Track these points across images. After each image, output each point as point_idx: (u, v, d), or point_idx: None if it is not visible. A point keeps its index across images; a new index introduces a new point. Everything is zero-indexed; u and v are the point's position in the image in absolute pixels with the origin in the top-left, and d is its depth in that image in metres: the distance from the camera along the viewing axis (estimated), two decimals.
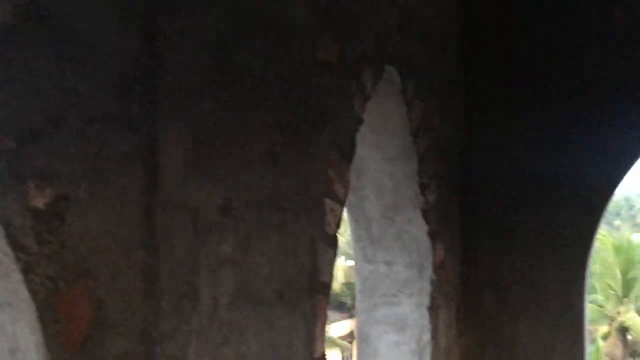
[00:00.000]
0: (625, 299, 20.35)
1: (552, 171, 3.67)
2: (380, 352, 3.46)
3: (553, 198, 3.68)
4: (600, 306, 20.72)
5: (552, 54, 3.68)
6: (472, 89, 3.85)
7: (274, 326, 2.02)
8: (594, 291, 20.63)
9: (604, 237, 20.03)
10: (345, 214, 2.85)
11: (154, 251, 1.58)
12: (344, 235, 17.80)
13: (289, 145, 2.12)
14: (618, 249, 20.23)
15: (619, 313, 20.28)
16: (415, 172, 3.26)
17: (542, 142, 3.70)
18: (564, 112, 3.65)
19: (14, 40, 1.25)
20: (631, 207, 57.86)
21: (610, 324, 20.33)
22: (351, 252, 3.85)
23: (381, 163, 3.26)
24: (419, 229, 3.36)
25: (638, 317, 20.10)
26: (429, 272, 3.40)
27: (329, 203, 2.33)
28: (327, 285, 2.31)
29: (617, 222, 46.86)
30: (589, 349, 3.88)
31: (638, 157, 3.57)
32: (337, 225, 2.38)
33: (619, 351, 19.91)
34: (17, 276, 1.26)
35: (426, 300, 3.40)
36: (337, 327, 24.48)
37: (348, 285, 23.65)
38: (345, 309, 25.11)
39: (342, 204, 2.43)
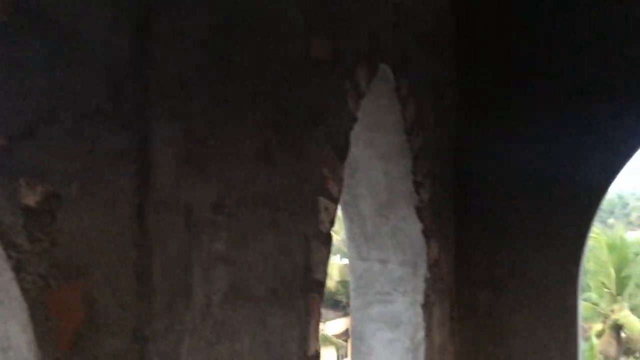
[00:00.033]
0: (619, 297, 20.45)
1: (546, 170, 3.68)
2: (374, 350, 3.47)
3: (547, 196, 3.69)
4: (594, 304, 20.82)
5: (552, 53, 3.69)
6: (471, 88, 3.86)
7: (267, 324, 2.01)
8: (588, 289, 20.73)
9: (598, 236, 20.12)
10: (339, 212, 2.85)
11: (146, 249, 1.57)
12: (339, 233, 17.81)
13: (283, 143, 2.11)
14: (612, 247, 20.33)
15: (612, 311, 20.39)
16: (409, 170, 3.26)
17: (536, 141, 3.71)
18: (557, 112, 3.66)
19: (5, 37, 1.24)
20: (625, 205, 58.10)
21: (604, 322, 20.43)
22: (346, 250, 3.85)
23: (375, 161, 3.26)
24: (413, 227, 3.37)
25: (632, 315, 20.20)
26: (423, 270, 3.40)
27: (322, 201, 2.33)
28: (321, 284, 2.30)
29: (610, 221, 47.02)
30: (582, 346, 3.90)
31: (631, 156, 3.58)
32: (331, 224, 2.38)
33: (612, 349, 20.01)
34: (8, 274, 1.26)
35: (420, 298, 3.40)
36: (332, 326, 24.53)
37: (343, 283, 23.69)
38: (341, 307, 25.15)
39: (336, 202, 2.42)
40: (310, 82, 2.28)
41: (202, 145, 1.77)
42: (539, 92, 3.72)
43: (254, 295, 1.96)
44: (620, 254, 20.32)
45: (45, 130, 1.33)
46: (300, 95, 2.21)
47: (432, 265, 3.45)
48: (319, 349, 2.30)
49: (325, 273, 2.33)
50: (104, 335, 1.45)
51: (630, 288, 20.57)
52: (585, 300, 19.35)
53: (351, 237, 3.48)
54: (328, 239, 2.37)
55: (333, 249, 2.50)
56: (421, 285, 3.40)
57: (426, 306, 3.40)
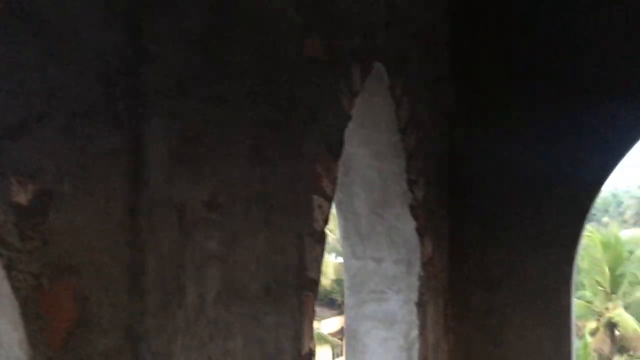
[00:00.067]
0: (614, 295, 20.52)
1: (540, 168, 3.69)
2: (368, 348, 3.47)
3: (541, 195, 3.70)
4: (589, 302, 20.88)
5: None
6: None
7: (260, 323, 2.01)
8: (582, 287, 20.78)
9: (592, 234, 20.18)
10: (334, 211, 2.85)
11: (139, 247, 1.57)
12: (335, 232, 17.82)
13: (276, 141, 2.11)
14: (606, 246, 20.38)
15: (607, 309, 20.45)
16: (403, 169, 3.27)
17: (530, 140, 3.72)
18: (554, 112, 3.67)
19: None
20: (619, 203, 58.25)
21: (598, 320, 20.49)
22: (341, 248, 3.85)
23: (369, 159, 3.27)
24: (407, 226, 3.37)
25: (626, 313, 20.26)
26: (417, 268, 3.41)
27: (316, 199, 2.33)
28: (315, 282, 2.30)
29: (605, 219, 47.16)
30: (576, 344, 3.91)
31: (625, 154, 3.59)
32: (325, 222, 2.38)
33: (606, 347, 20.07)
34: None
35: (414, 296, 3.41)
36: (328, 324, 24.53)
37: (338, 282, 23.68)
38: (336, 306, 25.14)
39: (330, 200, 2.42)
40: (305, 81, 2.27)
41: (195, 144, 1.76)
42: (530, 92, 3.72)
43: (248, 293, 1.96)
44: (614, 252, 20.37)
45: (38, 128, 1.32)
46: (294, 93, 2.21)
47: (426, 264, 3.45)
48: (314, 348, 2.30)
49: (319, 271, 2.33)
50: (96, 334, 1.45)
51: (624, 286, 20.63)
52: (579, 298, 19.41)
53: (345, 235, 3.48)
54: (322, 237, 2.37)
55: (328, 247, 2.50)
56: (415, 283, 3.40)
57: (420, 304, 3.41)
